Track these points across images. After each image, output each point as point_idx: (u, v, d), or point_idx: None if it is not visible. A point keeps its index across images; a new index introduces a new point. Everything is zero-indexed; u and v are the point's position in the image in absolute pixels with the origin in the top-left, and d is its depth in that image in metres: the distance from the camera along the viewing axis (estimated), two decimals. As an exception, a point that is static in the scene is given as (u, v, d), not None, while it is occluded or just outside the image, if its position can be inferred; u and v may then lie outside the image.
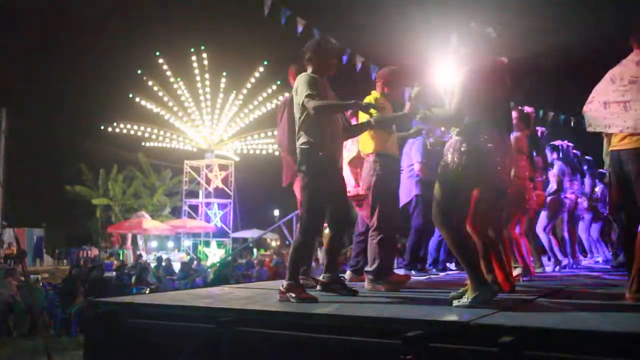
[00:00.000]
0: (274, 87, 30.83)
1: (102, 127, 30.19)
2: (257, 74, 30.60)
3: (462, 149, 3.45)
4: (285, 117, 4.84)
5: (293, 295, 3.68)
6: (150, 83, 29.72)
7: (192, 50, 29.92)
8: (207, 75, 30.56)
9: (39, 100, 33.30)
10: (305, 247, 3.98)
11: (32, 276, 12.91)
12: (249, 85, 31.01)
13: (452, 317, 2.94)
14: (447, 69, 3.74)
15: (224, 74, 30.66)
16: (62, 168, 32.21)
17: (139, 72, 29.70)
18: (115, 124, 29.94)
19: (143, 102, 29.98)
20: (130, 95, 29.88)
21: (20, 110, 28.69)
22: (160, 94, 30.13)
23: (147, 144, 31.22)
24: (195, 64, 30.15)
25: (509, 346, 2.41)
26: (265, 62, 30.37)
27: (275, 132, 5.13)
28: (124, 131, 30.19)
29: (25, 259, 18.64)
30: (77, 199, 31.62)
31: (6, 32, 30.49)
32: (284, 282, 3.81)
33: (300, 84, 3.93)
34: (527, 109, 5.80)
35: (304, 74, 4.01)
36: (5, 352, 7.84)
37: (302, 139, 3.93)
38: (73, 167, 31.94)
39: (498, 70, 3.68)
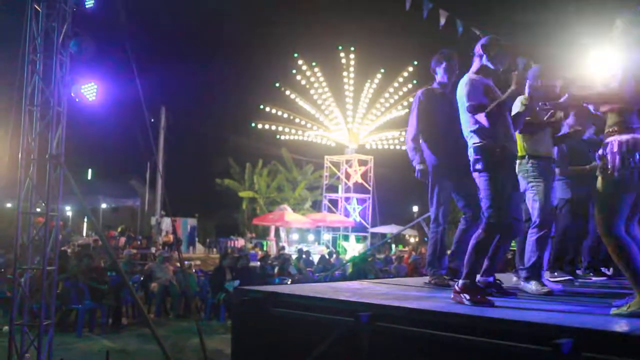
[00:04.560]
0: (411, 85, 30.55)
1: (253, 125, 31.62)
2: (405, 74, 30.60)
3: (624, 149, 3.15)
4: (416, 111, 4.88)
5: (467, 297, 3.51)
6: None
7: (339, 47, 30.44)
8: (345, 73, 30.91)
9: (193, 99, 35.90)
10: (488, 245, 3.75)
11: (186, 262, 13.91)
12: (396, 84, 31.07)
13: (610, 327, 2.71)
14: (606, 57, 3.43)
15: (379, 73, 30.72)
16: (212, 162, 34.44)
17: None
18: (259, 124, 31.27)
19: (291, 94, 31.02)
20: (278, 85, 30.99)
21: (177, 108, 31.05)
22: (296, 98, 30.94)
23: (290, 139, 32.26)
24: (342, 61, 30.67)
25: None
26: (415, 63, 30.15)
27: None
28: (272, 127, 31.40)
29: (180, 246, 20.12)
30: (226, 191, 33.61)
31: (162, 37, 33.14)
32: (460, 281, 3.64)
33: (463, 88, 3.88)
34: None
35: (467, 78, 3.93)
36: (163, 331, 8.54)
37: (475, 138, 3.82)
38: (222, 161, 34.04)
39: None
